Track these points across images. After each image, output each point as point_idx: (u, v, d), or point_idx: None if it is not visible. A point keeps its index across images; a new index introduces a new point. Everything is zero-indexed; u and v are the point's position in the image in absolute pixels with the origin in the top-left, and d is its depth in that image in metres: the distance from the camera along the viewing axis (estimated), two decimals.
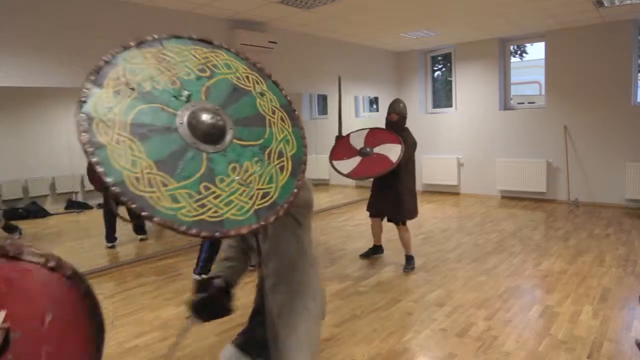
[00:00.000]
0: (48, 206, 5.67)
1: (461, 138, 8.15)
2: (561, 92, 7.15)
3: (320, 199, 7.55)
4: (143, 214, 1.21)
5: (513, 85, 8.11)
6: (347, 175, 4.08)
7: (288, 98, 1.64)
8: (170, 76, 1.49)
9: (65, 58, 4.25)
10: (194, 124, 1.39)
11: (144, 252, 5.10)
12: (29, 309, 1.10)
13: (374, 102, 8.69)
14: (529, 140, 7.50)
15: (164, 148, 1.34)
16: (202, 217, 1.31)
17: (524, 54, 12.09)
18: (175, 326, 3.19)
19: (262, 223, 1.38)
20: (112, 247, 5.15)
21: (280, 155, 1.53)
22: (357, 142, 4.23)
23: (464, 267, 4.27)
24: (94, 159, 1.23)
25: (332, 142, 4.43)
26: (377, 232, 4.60)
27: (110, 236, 5.13)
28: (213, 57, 1.64)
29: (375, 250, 4.71)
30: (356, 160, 4.10)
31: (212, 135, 1.41)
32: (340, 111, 4.42)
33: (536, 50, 13.32)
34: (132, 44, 1.50)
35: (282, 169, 1.50)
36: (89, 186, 5.59)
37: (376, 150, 4.09)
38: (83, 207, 5.69)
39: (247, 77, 1.63)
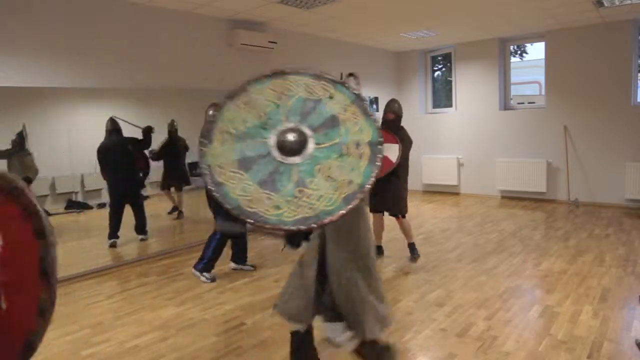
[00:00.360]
0: (48, 206, 5.66)
1: (461, 138, 8.15)
2: (561, 92, 7.15)
3: None
4: (257, 224, 1.63)
5: (513, 85, 8.11)
6: None
7: (356, 92, 1.91)
8: (257, 112, 1.89)
9: (65, 58, 4.25)
10: (281, 145, 1.78)
11: (144, 252, 5.10)
12: None
13: (373, 102, 8.69)
14: (529, 140, 7.50)
15: (263, 171, 1.75)
16: (300, 215, 1.67)
17: (524, 54, 12.09)
18: (175, 326, 3.20)
19: (351, 206, 1.67)
20: (114, 245, 5.15)
21: (357, 145, 1.80)
22: None
23: (464, 267, 4.27)
24: (217, 195, 1.68)
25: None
26: (378, 229, 4.59)
27: (113, 234, 5.16)
28: (286, 83, 1.97)
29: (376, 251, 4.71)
30: None
31: (296, 150, 1.78)
32: None
33: (536, 50, 13.31)
34: (224, 99, 1.93)
35: (361, 156, 1.78)
36: (89, 186, 5.59)
37: None
38: (83, 207, 5.69)
39: (316, 88, 1.94)
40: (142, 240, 5.39)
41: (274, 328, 3.11)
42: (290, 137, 1.80)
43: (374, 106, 8.73)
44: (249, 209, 1.67)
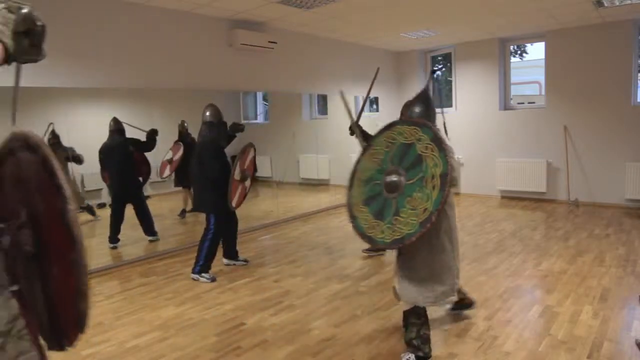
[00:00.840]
0: None
1: (461, 138, 8.14)
2: (561, 92, 7.15)
3: (320, 199, 7.55)
4: (371, 244, 2.49)
5: (513, 85, 8.11)
6: None
7: (434, 130, 2.36)
8: (375, 160, 2.55)
9: (66, 58, 4.25)
10: (386, 185, 2.42)
11: (144, 252, 5.10)
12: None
13: (374, 102, 8.69)
14: (529, 140, 7.49)
15: (377, 206, 2.44)
16: (394, 237, 2.29)
17: (524, 54, 12.09)
18: (175, 326, 3.20)
19: (424, 230, 2.19)
20: (115, 247, 5.16)
21: (433, 177, 2.25)
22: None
23: (464, 267, 4.27)
24: (353, 224, 2.55)
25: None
26: None
27: (114, 238, 5.15)
28: (392, 133, 2.53)
29: (378, 248, 4.75)
30: None
31: (394, 186, 2.39)
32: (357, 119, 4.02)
33: (536, 50, 13.30)
34: (361, 154, 2.71)
35: (434, 187, 2.23)
36: (89, 186, 5.59)
37: None
38: (83, 207, 5.69)
39: (410, 133, 2.42)
40: (151, 241, 5.32)
41: (274, 328, 3.11)
42: (393, 177, 2.40)
43: (374, 106, 8.73)
44: (368, 234, 2.42)
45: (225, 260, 4.55)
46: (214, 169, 4.05)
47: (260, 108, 7.76)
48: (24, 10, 1.18)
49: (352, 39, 7.29)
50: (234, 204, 4.17)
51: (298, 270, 4.35)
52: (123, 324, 3.27)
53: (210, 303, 3.60)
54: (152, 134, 5.20)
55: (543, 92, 7.77)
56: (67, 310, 1.22)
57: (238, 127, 4.39)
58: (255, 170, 4.49)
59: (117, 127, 5.07)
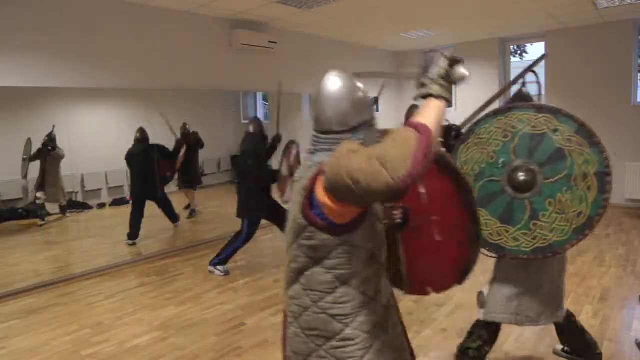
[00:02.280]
0: (48, 206, 5.66)
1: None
2: (561, 92, 7.14)
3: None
4: (499, 254, 2.06)
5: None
6: None
7: (580, 121, 2.04)
8: (487, 153, 2.11)
9: (65, 58, 4.25)
10: (512, 182, 2.02)
11: (144, 252, 5.10)
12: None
13: (374, 102, 8.69)
14: None
15: (499, 207, 2.03)
16: (536, 245, 1.97)
17: (524, 54, 12.09)
18: (175, 326, 3.20)
19: (581, 237, 1.90)
20: (133, 244, 5.30)
21: (585, 176, 1.93)
22: None
23: None
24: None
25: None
26: None
27: (133, 235, 5.29)
28: (509, 120, 2.15)
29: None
30: None
31: (527, 185, 1.99)
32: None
33: (536, 50, 13.30)
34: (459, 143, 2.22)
35: (589, 188, 1.92)
36: (89, 186, 5.60)
37: None
38: (83, 207, 5.69)
39: (539, 122, 2.10)
40: (176, 227, 5.73)
41: (274, 328, 3.11)
42: (521, 173, 2.02)
43: (375, 106, 8.72)
44: (491, 241, 2.05)
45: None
46: (254, 177, 4.25)
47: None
48: (464, 72, 1.39)
49: (352, 39, 7.29)
50: (285, 198, 4.34)
51: None
52: (123, 324, 3.27)
53: (210, 303, 3.60)
54: (180, 144, 5.59)
55: (543, 92, 7.76)
56: (436, 265, 1.65)
57: (278, 138, 4.62)
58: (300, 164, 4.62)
59: (142, 137, 5.35)
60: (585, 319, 3.06)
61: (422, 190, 1.56)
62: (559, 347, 2.64)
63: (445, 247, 1.62)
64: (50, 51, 4.16)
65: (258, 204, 4.26)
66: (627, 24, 6.45)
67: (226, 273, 4.26)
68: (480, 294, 2.39)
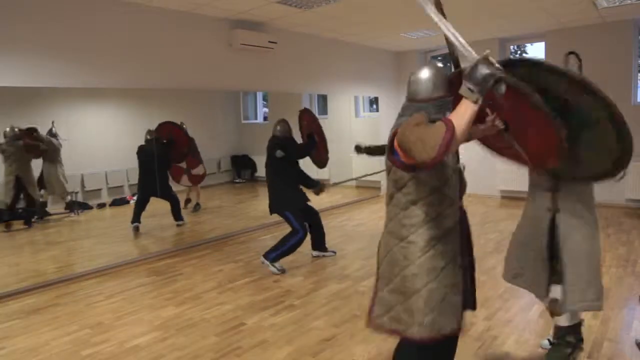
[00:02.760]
0: (48, 206, 5.66)
1: None
2: None
3: (321, 199, 7.53)
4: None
5: None
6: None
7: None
8: None
9: (66, 58, 4.25)
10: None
11: (144, 252, 5.10)
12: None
13: (374, 102, 8.69)
14: None
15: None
16: None
17: (524, 54, 12.08)
18: (175, 326, 3.20)
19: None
20: (136, 229, 5.49)
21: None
22: None
23: None
24: None
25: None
26: None
27: (136, 219, 5.48)
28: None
29: None
30: None
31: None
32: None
33: (536, 50, 13.30)
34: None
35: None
36: (89, 186, 5.60)
37: None
38: (83, 207, 5.69)
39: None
40: (178, 225, 5.78)
41: (274, 328, 3.11)
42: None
43: (374, 106, 8.73)
44: None
45: (314, 252, 4.77)
46: (287, 175, 4.37)
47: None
48: (502, 90, 1.67)
49: (352, 39, 7.29)
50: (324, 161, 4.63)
51: (298, 271, 4.35)
52: (123, 324, 3.27)
53: (210, 303, 3.60)
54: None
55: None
56: (542, 145, 2.12)
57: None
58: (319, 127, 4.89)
59: (155, 137, 5.55)
60: (585, 319, 3.06)
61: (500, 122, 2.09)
62: (545, 341, 2.67)
63: (541, 133, 2.03)
64: (50, 51, 4.16)
65: (295, 195, 4.40)
66: (627, 24, 6.45)
67: (282, 271, 4.29)
68: (553, 301, 2.32)
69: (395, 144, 1.72)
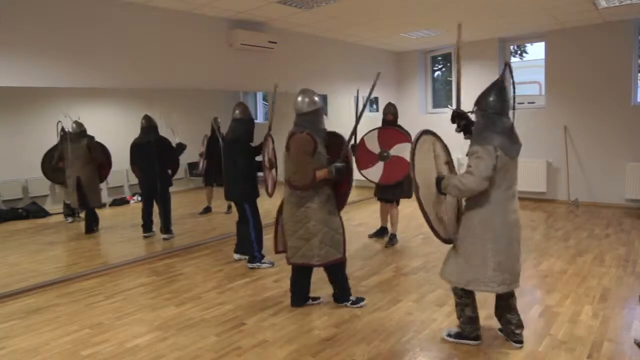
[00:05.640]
0: (48, 206, 5.67)
1: (461, 138, 8.11)
2: (561, 92, 7.15)
3: None
4: None
5: None
6: (378, 183, 4.89)
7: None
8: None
9: (65, 58, 4.25)
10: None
11: (143, 252, 5.10)
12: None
13: (374, 102, 8.69)
14: (529, 140, 7.46)
15: None
16: None
17: (524, 54, 12.08)
18: (175, 326, 3.20)
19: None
20: (148, 237, 5.44)
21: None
22: (373, 146, 4.87)
23: None
24: None
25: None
26: (384, 215, 5.33)
27: (147, 228, 5.44)
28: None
29: (382, 232, 5.37)
30: (379, 166, 4.84)
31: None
32: (358, 120, 3.79)
33: (536, 50, 13.30)
34: None
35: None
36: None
37: (392, 152, 4.81)
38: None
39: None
40: (165, 239, 5.45)
41: (274, 328, 3.11)
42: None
43: (374, 106, 8.73)
44: None
45: (236, 256, 4.70)
46: (243, 163, 4.32)
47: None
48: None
49: (352, 39, 7.29)
50: (269, 191, 4.33)
51: None
52: (123, 324, 3.27)
53: (210, 303, 3.60)
54: (180, 149, 5.56)
55: (543, 92, 7.77)
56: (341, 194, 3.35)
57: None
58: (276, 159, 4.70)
59: (149, 124, 5.29)
60: (585, 319, 3.06)
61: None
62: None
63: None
64: (49, 51, 4.16)
65: (253, 188, 4.39)
66: (627, 24, 6.45)
67: (272, 264, 4.41)
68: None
69: (287, 147, 3.14)
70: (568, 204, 7.00)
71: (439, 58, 9.31)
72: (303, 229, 3.18)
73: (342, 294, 3.46)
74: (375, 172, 4.81)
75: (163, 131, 5.47)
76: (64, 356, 2.83)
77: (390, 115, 5.09)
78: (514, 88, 2.76)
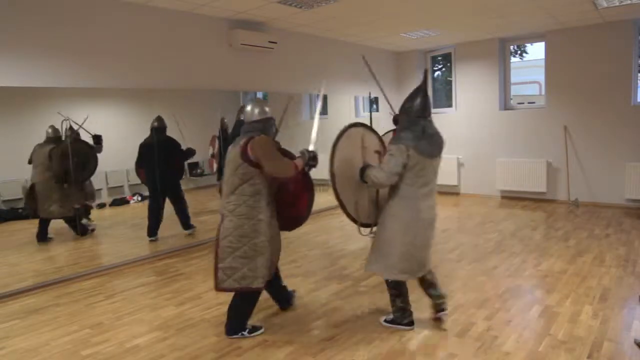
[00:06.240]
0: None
1: (461, 138, 8.15)
2: (561, 92, 7.15)
3: (321, 199, 7.53)
4: None
5: (513, 85, 8.10)
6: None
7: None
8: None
9: (65, 58, 4.25)
10: None
11: (143, 252, 5.10)
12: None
13: (374, 102, 8.68)
14: (529, 140, 7.49)
15: None
16: None
17: (524, 54, 12.08)
18: (175, 326, 3.20)
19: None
20: (154, 240, 5.39)
21: None
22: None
23: (464, 267, 4.27)
24: None
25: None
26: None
27: (153, 233, 5.38)
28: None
29: None
30: None
31: None
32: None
33: (536, 50, 13.29)
34: None
35: None
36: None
37: None
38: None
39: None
40: (189, 235, 5.59)
41: (274, 328, 3.11)
42: None
43: (374, 106, 8.72)
44: None
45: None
46: None
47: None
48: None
49: (352, 39, 7.29)
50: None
51: (298, 270, 4.35)
52: (123, 324, 3.27)
53: (210, 303, 3.60)
54: (190, 153, 5.61)
55: (543, 92, 7.77)
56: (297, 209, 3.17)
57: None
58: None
59: (160, 125, 5.37)
60: (585, 319, 3.06)
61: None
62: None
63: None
64: (50, 51, 4.16)
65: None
66: (627, 24, 6.45)
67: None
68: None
69: (250, 151, 2.74)
70: (568, 204, 7.00)
71: (439, 58, 9.30)
72: (248, 245, 2.80)
73: (236, 325, 3.00)
74: None
75: (171, 133, 5.50)
76: (64, 356, 2.83)
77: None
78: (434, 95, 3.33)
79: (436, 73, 9.70)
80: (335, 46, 7.26)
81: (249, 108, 2.99)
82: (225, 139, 5.98)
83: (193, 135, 6.14)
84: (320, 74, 7.01)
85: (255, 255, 2.81)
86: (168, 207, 5.78)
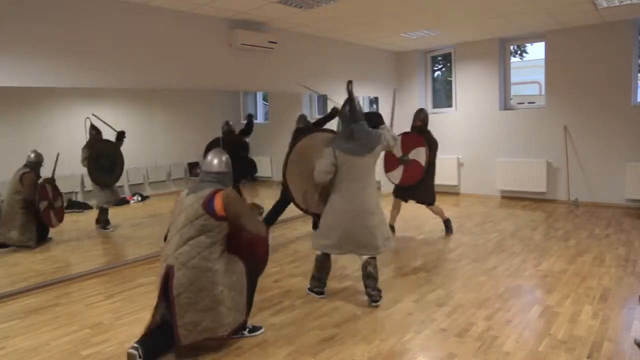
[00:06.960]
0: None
1: (461, 138, 8.15)
2: (561, 92, 7.15)
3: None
4: None
5: (513, 85, 8.11)
6: (399, 184, 5.37)
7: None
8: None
9: (65, 58, 4.25)
10: None
11: (143, 252, 5.10)
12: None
13: (374, 102, 8.69)
14: (529, 140, 7.49)
15: None
16: None
17: (524, 54, 12.09)
18: None
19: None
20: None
21: None
22: (397, 150, 5.26)
23: (464, 267, 4.27)
24: None
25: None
26: (394, 213, 5.55)
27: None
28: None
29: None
30: (400, 169, 5.31)
31: None
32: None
33: (536, 50, 13.31)
34: None
35: None
36: (89, 186, 5.59)
37: (410, 156, 5.21)
38: (83, 207, 5.68)
39: None
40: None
41: (274, 328, 3.11)
42: None
43: (374, 106, 8.73)
44: None
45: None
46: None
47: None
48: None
49: (352, 39, 7.29)
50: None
51: (298, 270, 4.35)
52: (123, 324, 3.27)
53: None
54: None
55: (543, 92, 7.77)
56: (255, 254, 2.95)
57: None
58: None
59: (229, 129, 5.69)
60: (585, 319, 3.06)
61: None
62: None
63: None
64: (49, 51, 4.16)
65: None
66: (627, 24, 6.45)
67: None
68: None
69: (219, 205, 2.63)
70: (568, 204, 7.00)
71: (439, 58, 9.31)
72: (208, 298, 2.63)
73: None
74: (397, 175, 5.36)
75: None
76: (64, 356, 2.83)
77: (419, 121, 5.28)
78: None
79: (436, 73, 9.71)
80: (335, 46, 7.26)
81: (212, 158, 2.88)
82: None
83: (193, 135, 6.14)
84: (320, 74, 7.01)
85: (216, 305, 2.66)
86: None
